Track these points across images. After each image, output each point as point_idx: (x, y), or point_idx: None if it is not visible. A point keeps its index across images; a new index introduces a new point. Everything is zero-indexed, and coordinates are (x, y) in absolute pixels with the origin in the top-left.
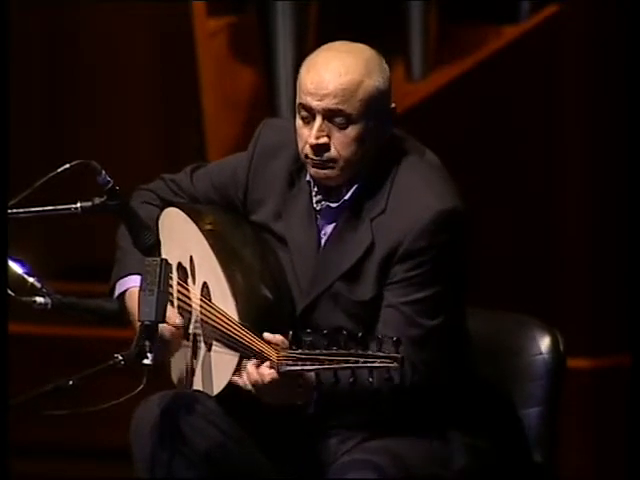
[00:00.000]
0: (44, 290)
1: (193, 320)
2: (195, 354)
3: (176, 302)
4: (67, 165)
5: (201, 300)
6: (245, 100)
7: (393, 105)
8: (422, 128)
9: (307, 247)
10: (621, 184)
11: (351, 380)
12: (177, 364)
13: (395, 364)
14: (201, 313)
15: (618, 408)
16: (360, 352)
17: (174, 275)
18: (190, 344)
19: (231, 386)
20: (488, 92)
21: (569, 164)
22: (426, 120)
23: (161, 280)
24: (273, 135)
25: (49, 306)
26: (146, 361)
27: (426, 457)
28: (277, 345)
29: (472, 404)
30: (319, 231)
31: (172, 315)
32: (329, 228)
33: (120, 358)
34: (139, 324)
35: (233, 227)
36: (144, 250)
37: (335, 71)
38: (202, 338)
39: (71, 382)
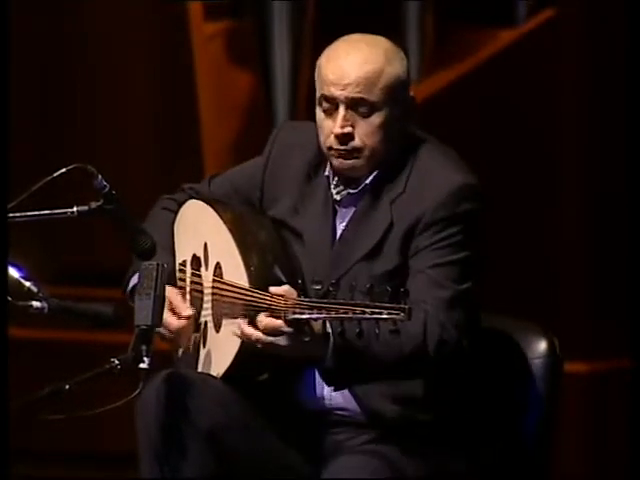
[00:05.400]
0: (41, 294)
1: (204, 307)
2: (204, 343)
3: (188, 296)
4: (63, 169)
5: (213, 280)
6: (242, 104)
7: (412, 94)
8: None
9: (322, 240)
10: (619, 187)
11: (357, 331)
12: (184, 356)
13: (402, 315)
14: (212, 293)
15: (616, 412)
16: (367, 303)
17: (187, 267)
18: (200, 335)
19: (241, 361)
20: (485, 95)
21: (567, 167)
22: (422, 123)
23: (158, 284)
24: (290, 135)
25: (45, 310)
26: (142, 365)
27: (424, 461)
28: (284, 295)
29: (470, 407)
30: (335, 224)
31: (181, 306)
32: (349, 214)
33: (117, 362)
34: (135, 328)
35: (251, 213)
36: (140, 254)
37: (356, 61)
38: (212, 319)
39: (68, 386)
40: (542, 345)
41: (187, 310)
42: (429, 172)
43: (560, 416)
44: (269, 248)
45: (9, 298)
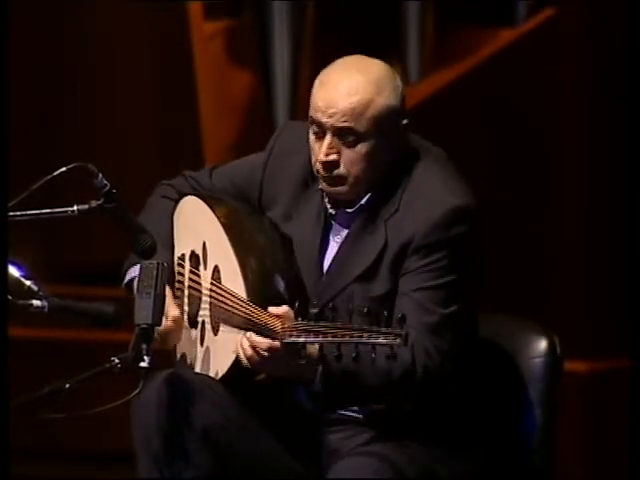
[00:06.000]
0: (41, 293)
1: (202, 306)
2: (202, 341)
3: (187, 291)
4: (64, 168)
5: (211, 284)
6: (242, 103)
7: (405, 121)
8: (418, 131)
9: (310, 250)
10: (618, 187)
11: (354, 355)
12: (183, 354)
13: (399, 340)
14: (210, 297)
15: (616, 411)
16: (365, 327)
17: (186, 263)
18: (198, 332)
19: (237, 369)
20: (485, 95)
21: (566, 167)
22: (422, 123)
23: (158, 283)
24: (292, 137)
25: (46, 309)
26: (143, 364)
27: (424, 461)
28: (282, 316)
29: (469, 407)
30: (327, 235)
31: (170, 307)
32: (343, 232)
33: (117, 361)
34: (136, 327)
35: (249, 214)
36: (141, 253)
37: (345, 90)
38: (210, 321)
39: (68, 385)
40: (542, 344)
41: (174, 310)
42: (423, 189)
43: (560, 416)
44: (268, 252)
45: (9, 297)
